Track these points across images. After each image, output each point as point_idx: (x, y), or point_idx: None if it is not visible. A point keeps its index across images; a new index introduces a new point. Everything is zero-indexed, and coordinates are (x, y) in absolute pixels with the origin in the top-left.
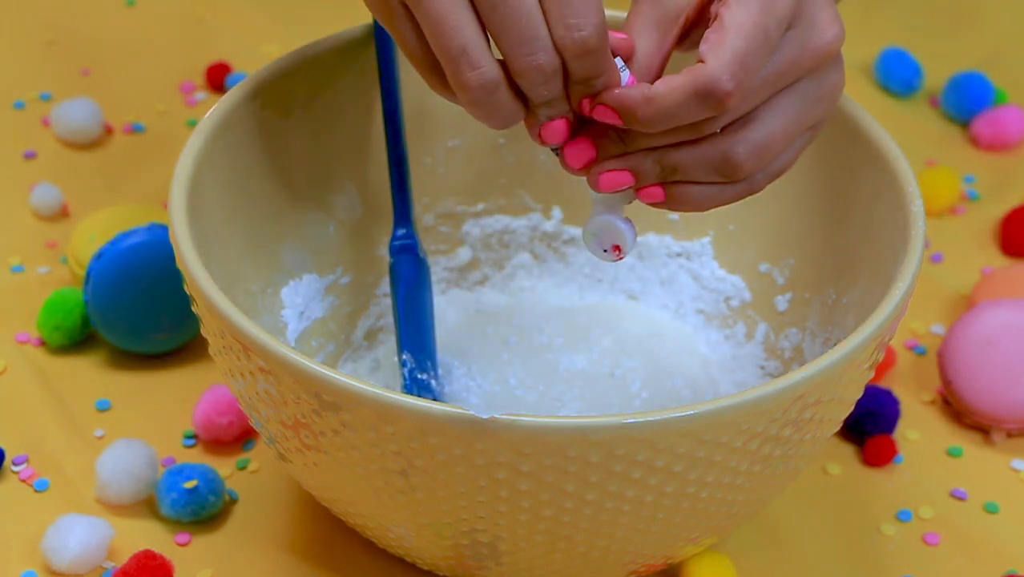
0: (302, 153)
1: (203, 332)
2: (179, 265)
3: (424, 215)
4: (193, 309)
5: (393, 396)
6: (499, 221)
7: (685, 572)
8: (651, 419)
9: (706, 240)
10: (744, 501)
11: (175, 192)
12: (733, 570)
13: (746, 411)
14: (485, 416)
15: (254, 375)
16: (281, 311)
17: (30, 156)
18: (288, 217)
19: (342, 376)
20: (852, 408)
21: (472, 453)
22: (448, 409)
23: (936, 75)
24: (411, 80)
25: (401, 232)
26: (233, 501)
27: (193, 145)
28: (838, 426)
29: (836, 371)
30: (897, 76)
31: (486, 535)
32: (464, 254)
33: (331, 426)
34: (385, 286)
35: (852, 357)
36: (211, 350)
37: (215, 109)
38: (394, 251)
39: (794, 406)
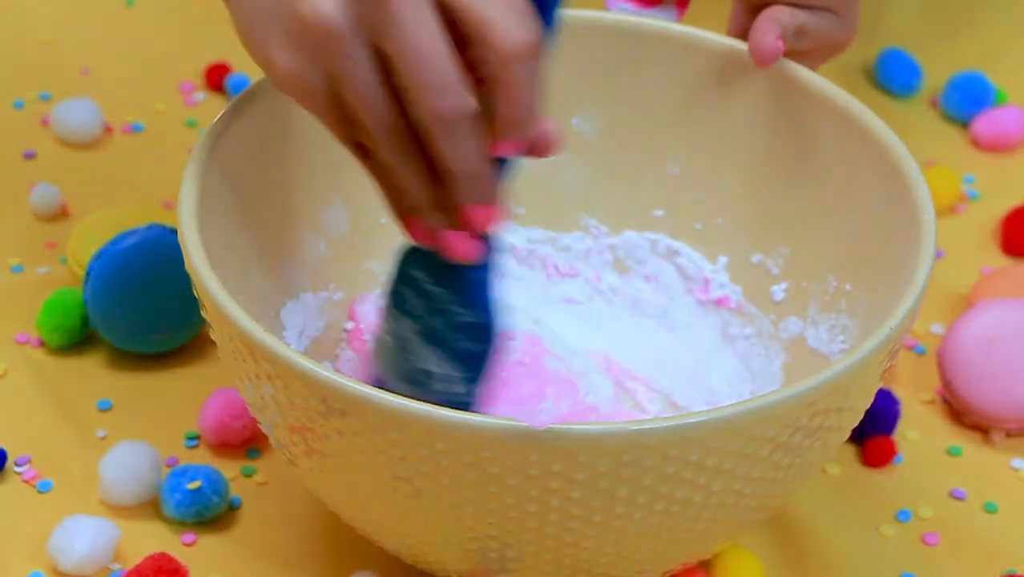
0: (296, 168)
1: (212, 336)
2: (188, 269)
3: None
4: (203, 314)
5: (447, 413)
6: None
7: (715, 568)
8: (706, 418)
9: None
10: (781, 494)
11: (183, 209)
12: (760, 566)
13: (793, 404)
14: (539, 427)
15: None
16: (282, 332)
17: (30, 156)
18: (285, 236)
19: (394, 394)
20: (872, 399)
21: (526, 464)
22: (502, 422)
23: (936, 75)
24: None
25: None
26: (238, 505)
27: (193, 171)
28: (861, 415)
29: (869, 364)
30: (897, 76)
31: (512, 544)
32: None
33: (378, 447)
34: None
35: (873, 355)
36: (222, 358)
37: (211, 128)
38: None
39: (834, 396)
